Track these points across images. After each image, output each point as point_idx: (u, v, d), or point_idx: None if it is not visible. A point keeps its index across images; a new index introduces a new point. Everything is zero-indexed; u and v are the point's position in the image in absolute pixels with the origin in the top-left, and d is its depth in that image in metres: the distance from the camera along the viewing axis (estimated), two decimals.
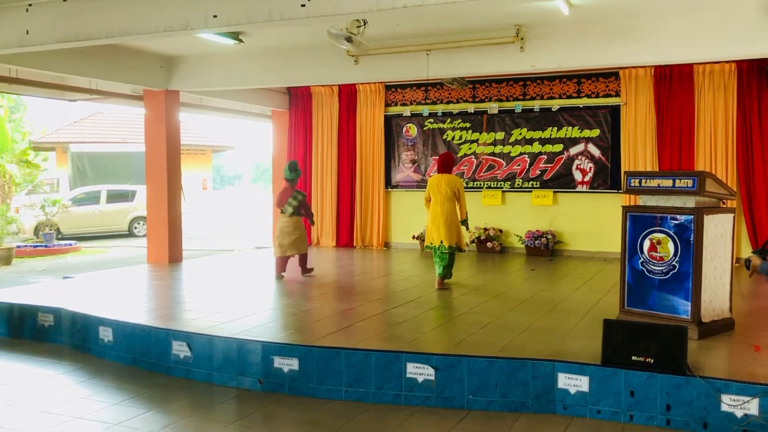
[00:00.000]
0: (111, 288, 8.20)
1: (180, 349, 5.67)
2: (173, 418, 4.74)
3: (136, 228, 19.79)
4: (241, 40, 8.74)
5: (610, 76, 10.83)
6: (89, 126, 24.97)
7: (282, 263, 8.84)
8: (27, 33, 6.74)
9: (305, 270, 9.03)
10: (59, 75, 9.28)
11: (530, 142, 11.39)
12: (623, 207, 5.88)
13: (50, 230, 16.43)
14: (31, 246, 15.54)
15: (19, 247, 14.99)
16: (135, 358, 5.98)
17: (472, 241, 11.61)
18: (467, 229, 8.21)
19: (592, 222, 11.01)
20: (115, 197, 19.96)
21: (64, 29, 6.61)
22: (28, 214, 17.63)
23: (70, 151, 22.99)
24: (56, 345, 6.77)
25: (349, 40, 7.05)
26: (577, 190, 11.13)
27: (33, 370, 5.96)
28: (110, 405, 4.95)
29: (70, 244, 15.99)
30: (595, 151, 10.97)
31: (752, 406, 4.20)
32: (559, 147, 11.21)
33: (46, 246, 15.42)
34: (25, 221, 17.65)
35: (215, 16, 5.99)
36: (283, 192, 8.88)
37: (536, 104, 11.34)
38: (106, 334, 6.22)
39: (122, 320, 6.18)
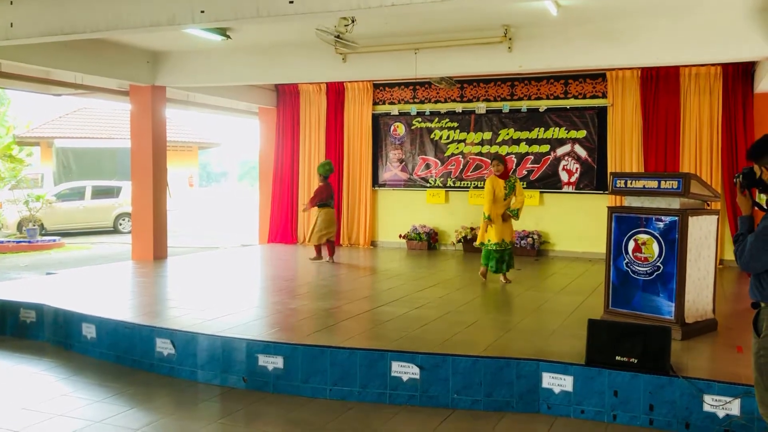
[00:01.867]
0: (95, 284, 8.13)
1: (164, 347, 5.63)
2: (156, 415, 4.71)
3: (121, 224, 19.64)
4: (228, 36, 8.68)
5: (597, 77, 10.88)
6: (74, 121, 24.74)
7: (329, 248, 10.18)
8: (11, 26, 6.67)
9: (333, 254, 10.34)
10: (44, 69, 9.20)
11: (517, 142, 11.43)
12: (609, 208, 5.91)
13: (34, 226, 16.27)
14: (14, 241, 15.38)
15: (1, 242, 14.86)
16: (118, 356, 5.93)
17: (459, 241, 11.64)
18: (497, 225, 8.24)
19: (578, 222, 11.05)
20: (100, 193, 19.79)
21: (48, 22, 6.54)
22: (11, 210, 17.44)
23: (55, 147, 22.76)
24: (38, 341, 6.70)
25: (338, 38, 7.04)
26: (564, 190, 11.17)
27: (14, 366, 5.89)
28: (92, 402, 4.90)
29: (54, 240, 15.85)
30: (582, 152, 11.02)
31: (734, 407, 4.23)
32: (545, 147, 11.25)
33: (29, 242, 15.26)
34: (8, 216, 17.47)
35: (202, 12, 5.95)
36: (324, 189, 10.10)
37: (524, 105, 11.37)
38: (89, 331, 6.16)
39: (105, 317, 6.13)
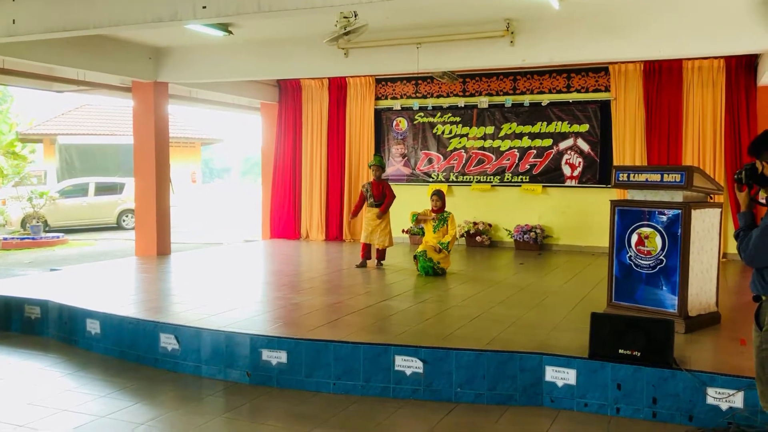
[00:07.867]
0: (98, 280, 8.16)
1: (168, 342, 5.65)
2: (160, 410, 4.73)
3: (124, 221, 19.68)
4: (230, 32, 8.68)
5: (600, 71, 10.86)
6: (77, 118, 24.79)
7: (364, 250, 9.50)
8: (14, 22, 6.68)
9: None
10: (47, 65, 9.19)
11: (520, 136, 11.41)
12: (611, 201, 5.90)
13: (37, 222, 16.31)
14: (18, 238, 15.42)
15: (5, 239, 14.90)
16: (122, 351, 5.95)
17: (462, 236, 11.64)
18: None
19: (581, 216, 11.04)
20: (103, 190, 19.83)
21: (51, 19, 6.55)
22: (15, 207, 17.50)
23: (58, 143, 22.81)
24: (43, 337, 6.73)
25: (347, 33, 7.00)
26: (566, 184, 11.16)
27: (20, 362, 5.92)
28: (97, 397, 4.93)
29: (58, 237, 15.88)
30: (585, 146, 11.01)
31: (737, 399, 4.24)
32: (548, 141, 11.23)
33: (33, 238, 15.30)
34: (12, 213, 17.53)
35: (204, 7, 5.95)
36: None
37: (526, 99, 11.35)
38: (93, 327, 6.19)
39: (110, 313, 6.15)
